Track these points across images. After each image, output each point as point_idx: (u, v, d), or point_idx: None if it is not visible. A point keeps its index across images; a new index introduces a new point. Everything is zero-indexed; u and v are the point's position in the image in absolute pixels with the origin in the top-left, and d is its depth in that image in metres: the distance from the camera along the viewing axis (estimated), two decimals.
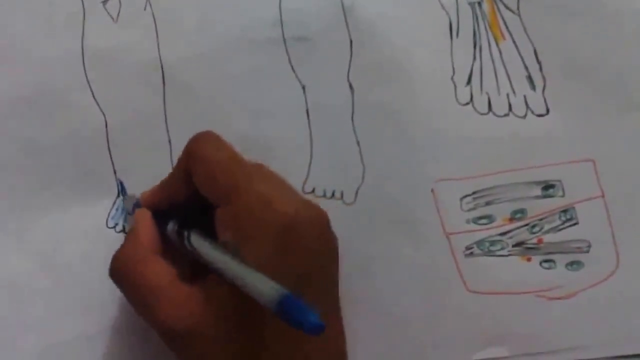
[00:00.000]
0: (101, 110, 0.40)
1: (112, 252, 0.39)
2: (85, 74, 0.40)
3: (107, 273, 0.37)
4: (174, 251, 0.34)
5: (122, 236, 0.40)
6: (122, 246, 0.35)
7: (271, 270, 0.29)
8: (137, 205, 0.37)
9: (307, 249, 0.32)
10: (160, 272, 0.33)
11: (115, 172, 0.40)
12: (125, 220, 0.40)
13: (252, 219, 0.32)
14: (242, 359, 0.31)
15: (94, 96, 0.40)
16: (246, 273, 0.29)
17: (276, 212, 0.32)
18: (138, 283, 0.33)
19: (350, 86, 0.40)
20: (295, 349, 0.31)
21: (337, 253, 0.34)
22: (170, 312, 0.31)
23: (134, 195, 0.39)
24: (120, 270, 0.34)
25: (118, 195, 0.40)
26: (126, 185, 0.40)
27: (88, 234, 0.40)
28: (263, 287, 0.28)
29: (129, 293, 0.34)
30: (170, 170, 0.40)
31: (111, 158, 0.40)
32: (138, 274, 0.33)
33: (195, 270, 0.33)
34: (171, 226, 0.34)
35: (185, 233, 0.33)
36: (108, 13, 0.41)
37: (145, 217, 0.36)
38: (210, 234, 0.33)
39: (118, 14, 0.41)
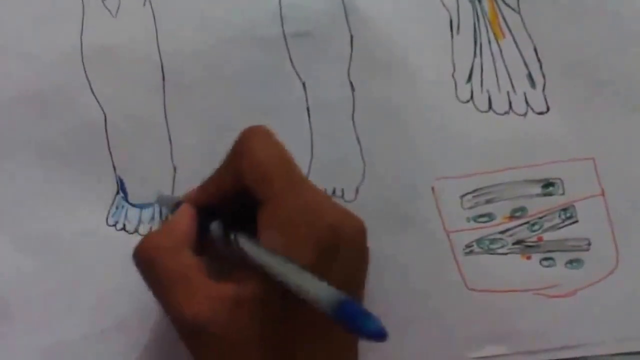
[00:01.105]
0: (101, 107, 0.40)
1: (112, 250, 0.39)
2: (85, 70, 0.40)
3: (108, 272, 0.38)
4: (208, 251, 0.34)
5: (122, 234, 0.40)
6: (154, 233, 0.34)
7: (314, 275, 0.28)
8: (178, 204, 0.35)
9: (348, 257, 0.32)
10: (190, 264, 0.32)
11: (115, 170, 0.40)
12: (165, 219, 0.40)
13: (299, 221, 0.31)
14: None
15: (93, 93, 0.40)
16: (302, 276, 0.28)
17: (324, 218, 0.31)
18: (166, 270, 0.32)
19: (351, 83, 0.40)
20: (322, 351, 0.31)
21: (368, 262, 0.34)
22: (196, 305, 0.30)
23: (171, 196, 0.38)
24: (148, 255, 0.33)
25: (117, 193, 0.40)
26: (126, 182, 0.40)
27: (88, 231, 0.40)
28: (321, 291, 0.27)
29: (153, 279, 0.32)
30: (169, 167, 0.40)
31: (111, 155, 0.40)
32: (167, 262, 0.32)
33: (227, 273, 0.32)
34: (216, 225, 0.33)
35: (232, 233, 0.32)
36: (107, 9, 0.41)
37: (188, 212, 0.34)
38: (252, 233, 0.32)
39: (117, 10, 0.41)
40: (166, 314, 0.32)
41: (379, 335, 0.24)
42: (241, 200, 0.33)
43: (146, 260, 0.33)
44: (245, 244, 0.31)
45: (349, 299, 0.26)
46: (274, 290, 0.30)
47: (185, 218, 0.34)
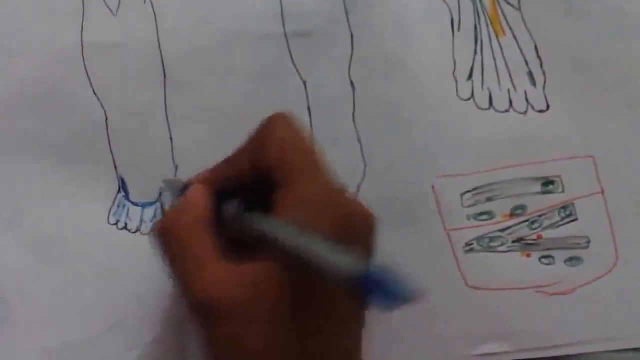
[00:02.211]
0: (102, 106, 0.40)
1: (114, 249, 0.39)
2: (85, 68, 0.40)
3: (110, 271, 0.38)
4: (220, 233, 0.33)
5: (124, 233, 0.40)
6: (173, 210, 0.34)
7: None
8: (185, 188, 0.35)
9: (359, 242, 0.32)
10: (210, 243, 0.32)
11: (116, 168, 0.40)
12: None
13: (318, 203, 0.31)
14: (285, 344, 0.31)
15: (94, 91, 0.40)
16: (328, 249, 0.27)
17: (341, 202, 0.32)
18: (186, 247, 0.32)
19: (352, 82, 0.40)
20: (336, 332, 0.32)
21: (375, 252, 0.34)
22: (215, 285, 0.30)
23: (178, 179, 0.37)
24: (171, 231, 0.32)
25: (119, 191, 0.40)
26: (127, 181, 0.40)
27: (89, 230, 0.40)
28: (347, 262, 0.26)
29: (173, 256, 0.32)
30: (171, 166, 0.40)
31: (112, 154, 0.40)
32: (188, 238, 0.32)
33: (240, 255, 0.32)
34: (231, 205, 0.33)
35: (248, 212, 0.32)
36: (108, 7, 0.41)
37: (203, 191, 0.34)
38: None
39: (118, 8, 0.41)
40: (182, 293, 0.32)
41: (410, 298, 0.25)
42: (250, 185, 0.33)
43: (167, 236, 0.32)
44: (264, 222, 0.31)
45: (378, 266, 0.26)
46: (292, 269, 0.30)
47: (203, 197, 0.34)
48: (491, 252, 0.39)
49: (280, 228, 0.30)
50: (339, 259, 0.27)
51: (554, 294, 0.39)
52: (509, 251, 0.39)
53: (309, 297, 0.31)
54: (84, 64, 0.40)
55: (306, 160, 0.33)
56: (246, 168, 0.34)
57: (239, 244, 0.32)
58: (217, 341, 0.31)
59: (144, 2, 0.41)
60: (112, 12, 0.41)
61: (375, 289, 0.25)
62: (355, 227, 0.32)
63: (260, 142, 0.33)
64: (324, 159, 0.34)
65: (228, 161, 0.35)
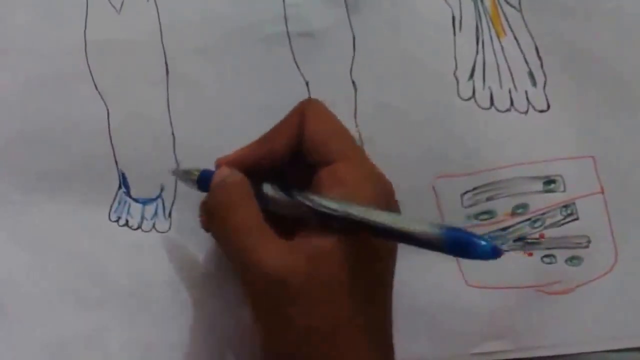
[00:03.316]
0: (104, 102, 0.40)
1: (115, 246, 0.39)
2: (88, 65, 0.40)
3: (110, 268, 0.37)
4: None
5: (125, 229, 0.40)
6: (218, 187, 0.34)
7: None
8: (206, 174, 0.35)
9: None
10: (263, 218, 0.33)
11: (117, 164, 0.40)
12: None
13: (363, 181, 0.33)
14: (344, 316, 0.32)
15: (96, 88, 0.40)
16: (399, 217, 0.30)
17: (380, 180, 0.34)
18: (243, 221, 0.32)
19: (353, 83, 0.41)
20: (387, 303, 0.34)
21: None
22: (276, 257, 0.31)
23: (195, 167, 0.37)
24: (224, 205, 0.33)
25: (119, 188, 0.40)
26: (128, 177, 0.40)
27: (90, 227, 0.39)
28: (425, 225, 0.29)
29: (230, 231, 0.33)
30: (172, 163, 0.40)
31: (113, 150, 0.40)
32: (244, 212, 0.33)
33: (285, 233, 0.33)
34: (269, 186, 0.34)
35: (296, 191, 0.33)
36: (111, 4, 0.41)
37: (236, 172, 0.34)
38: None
39: (121, 6, 0.41)
40: (240, 266, 0.32)
41: (495, 253, 0.27)
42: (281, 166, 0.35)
43: (222, 210, 0.33)
44: (319, 199, 0.32)
45: (454, 226, 0.28)
46: (347, 241, 0.31)
47: (239, 176, 0.34)
48: None
49: (342, 204, 0.31)
50: (419, 225, 0.29)
51: (554, 293, 0.39)
52: (510, 250, 0.39)
53: (364, 269, 0.32)
54: (87, 61, 0.40)
55: (346, 141, 0.35)
56: (281, 148, 0.35)
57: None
58: (276, 313, 0.32)
59: (147, 1, 0.41)
60: (115, 9, 0.41)
61: (459, 248, 0.27)
62: (392, 204, 0.34)
63: (299, 123, 0.34)
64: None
65: (261, 142, 0.36)
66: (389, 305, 0.34)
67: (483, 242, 0.27)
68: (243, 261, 0.32)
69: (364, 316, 0.32)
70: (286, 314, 0.31)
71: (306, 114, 0.34)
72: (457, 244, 0.27)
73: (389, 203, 0.34)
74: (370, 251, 0.32)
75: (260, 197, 0.34)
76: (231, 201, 0.33)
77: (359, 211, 0.31)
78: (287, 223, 0.33)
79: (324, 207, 0.32)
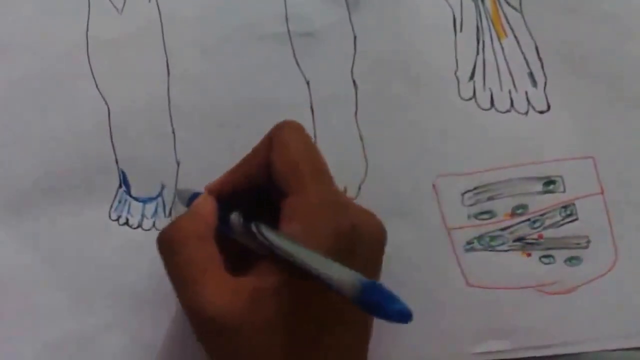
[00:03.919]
0: (105, 101, 0.40)
1: (115, 244, 0.39)
2: (90, 64, 0.40)
3: (110, 267, 0.37)
4: (221, 243, 0.33)
5: (125, 228, 0.40)
6: (181, 219, 0.33)
7: None
8: (194, 197, 0.35)
9: (363, 256, 0.32)
10: (214, 255, 0.32)
11: (117, 163, 0.40)
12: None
13: (323, 215, 0.31)
14: (288, 354, 0.30)
15: (97, 87, 0.40)
16: (326, 263, 0.28)
17: (346, 214, 0.32)
18: (190, 260, 0.31)
19: (354, 82, 0.41)
20: (341, 341, 0.32)
21: (382, 262, 0.34)
22: (216, 298, 0.30)
23: (188, 189, 0.38)
24: (174, 242, 0.32)
25: (120, 186, 0.40)
26: (128, 176, 0.40)
27: (90, 225, 0.40)
28: (345, 275, 0.27)
29: (175, 267, 0.32)
30: (173, 162, 0.40)
31: (114, 149, 0.40)
32: (192, 251, 0.31)
33: (243, 266, 0.32)
34: (237, 215, 0.33)
35: (253, 223, 0.32)
36: (113, 4, 0.41)
37: (209, 201, 0.34)
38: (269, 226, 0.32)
39: (123, 6, 0.41)
40: (183, 305, 0.31)
41: (404, 316, 0.24)
42: (257, 194, 0.34)
43: (171, 246, 0.32)
44: (267, 232, 0.31)
45: (373, 281, 0.26)
46: (293, 281, 0.30)
47: (208, 207, 0.34)
48: (492, 251, 0.39)
49: (283, 241, 0.30)
50: (339, 275, 0.27)
51: (553, 293, 0.39)
52: (509, 250, 0.39)
53: (307, 309, 0.30)
54: (89, 60, 0.40)
55: (313, 169, 0.33)
56: (254, 175, 0.34)
57: (248, 254, 0.32)
58: (216, 352, 0.31)
59: (149, 1, 0.41)
60: (117, 9, 0.41)
61: (372, 305, 0.25)
62: (360, 239, 0.32)
63: (268, 150, 0.33)
64: (328, 169, 0.34)
65: (236, 169, 0.35)
66: (352, 345, 0.32)
67: (395, 306, 0.25)
68: (181, 295, 0.31)
69: (306, 356, 0.31)
70: (224, 354, 0.31)
71: (276, 140, 0.33)
72: (370, 302, 0.25)
73: (350, 238, 0.31)
74: (313, 293, 0.29)
75: (232, 227, 0.34)
76: (182, 236, 0.32)
77: (287, 248, 0.30)
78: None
79: (268, 241, 0.31)
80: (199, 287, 0.31)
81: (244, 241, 0.33)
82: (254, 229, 0.32)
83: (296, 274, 0.29)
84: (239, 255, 0.33)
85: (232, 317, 0.30)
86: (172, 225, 0.33)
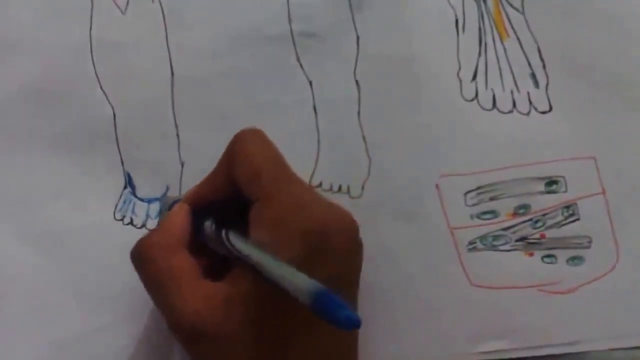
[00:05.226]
0: (109, 103, 0.40)
1: (119, 244, 0.39)
2: (94, 66, 0.41)
3: (115, 266, 0.37)
4: (202, 249, 0.34)
5: (130, 228, 0.40)
6: (152, 232, 0.34)
7: (302, 270, 0.29)
8: (174, 203, 0.36)
9: (335, 253, 0.32)
10: (186, 264, 0.32)
11: (122, 164, 0.40)
12: (156, 217, 0.40)
13: (288, 219, 0.32)
14: (263, 356, 0.31)
15: (102, 88, 0.41)
16: (283, 269, 0.29)
17: (312, 216, 0.32)
18: (162, 270, 0.32)
19: (357, 82, 0.41)
20: (317, 346, 0.32)
21: (361, 259, 0.35)
22: (189, 306, 0.31)
23: (174, 196, 0.38)
24: (146, 254, 0.33)
25: (125, 187, 0.40)
26: (133, 177, 0.40)
27: (95, 226, 0.40)
28: (300, 283, 0.27)
29: (149, 279, 0.33)
30: (177, 163, 0.40)
31: (119, 150, 0.40)
32: (164, 262, 0.32)
33: (221, 272, 0.33)
34: (209, 223, 0.34)
35: (224, 230, 0.33)
36: (116, 5, 0.41)
37: (182, 210, 0.35)
38: (243, 232, 0.33)
39: (126, 7, 0.41)
40: (161, 314, 0.32)
41: (351, 323, 0.25)
42: (235, 200, 0.34)
43: (143, 259, 0.33)
44: (235, 240, 0.32)
45: (325, 289, 0.26)
46: (265, 287, 0.30)
47: (180, 217, 0.34)
48: (494, 250, 0.40)
49: (248, 248, 0.31)
50: (294, 281, 0.28)
51: (555, 293, 0.39)
52: (512, 250, 0.40)
53: (279, 314, 0.31)
54: (93, 62, 0.41)
55: (274, 174, 0.33)
56: (222, 185, 0.34)
57: (226, 261, 0.33)
58: (195, 357, 0.32)
59: (152, 1, 0.41)
60: (121, 10, 0.41)
61: (322, 311, 0.26)
62: (331, 236, 0.32)
63: (230, 160, 0.34)
64: (293, 171, 0.34)
65: (205, 181, 0.36)
66: (331, 348, 0.33)
67: (343, 313, 0.25)
68: (160, 309, 0.32)
69: None
70: (201, 358, 0.32)
71: (236, 150, 0.34)
72: (321, 309, 0.26)
73: (319, 241, 0.32)
74: (285, 300, 0.29)
75: (205, 235, 0.34)
76: (151, 249, 0.33)
77: (251, 254, 0.30)
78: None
79: (235, 249, 0.32)
80: (171, 296, 0.31)
81: (216, 248, 0.33)
82: (223, 236, 0.33)
83: (265, 281, 0.30)
84: (225, 262, 0.33)
85: (203, 322, 0.31)
86: (141, 240, 0.34)
